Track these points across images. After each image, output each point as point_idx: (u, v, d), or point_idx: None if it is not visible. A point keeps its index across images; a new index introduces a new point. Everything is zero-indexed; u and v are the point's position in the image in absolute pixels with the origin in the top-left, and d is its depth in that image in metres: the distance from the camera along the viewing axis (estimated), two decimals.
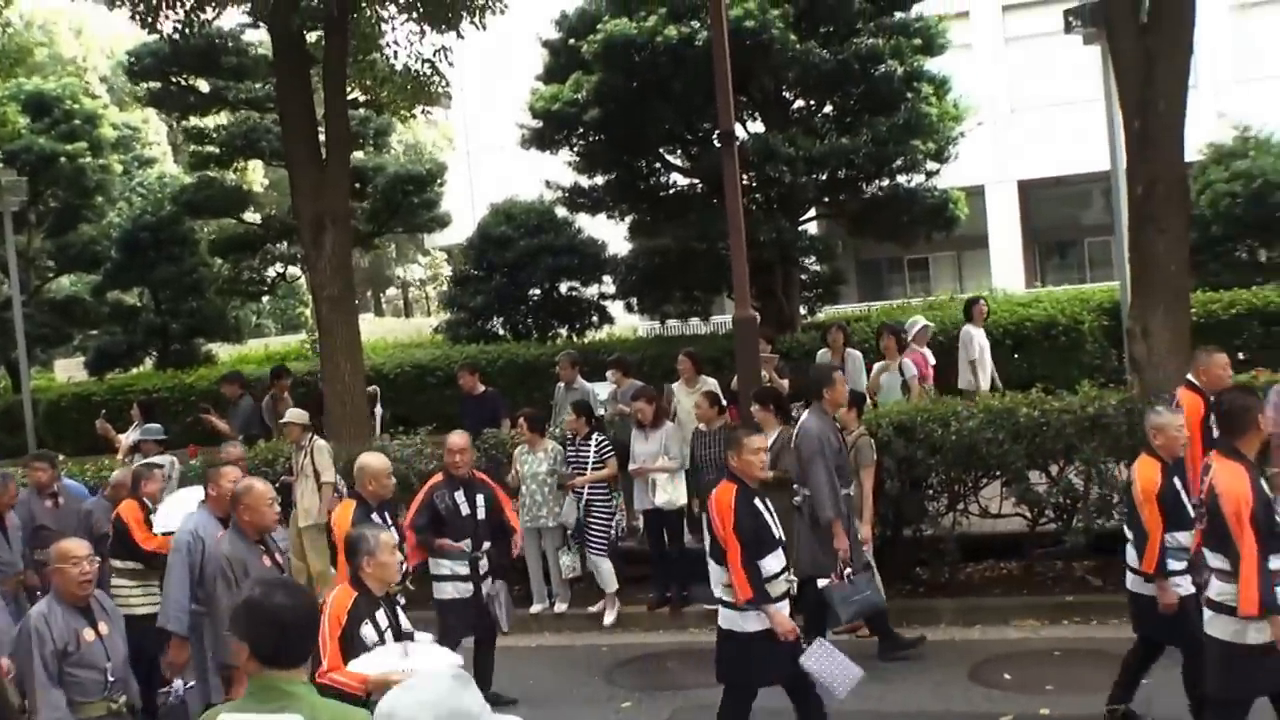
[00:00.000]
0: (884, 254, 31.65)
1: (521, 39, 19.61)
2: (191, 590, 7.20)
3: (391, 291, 59.15)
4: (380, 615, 5.68)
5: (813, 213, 18.78)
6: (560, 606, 10.79)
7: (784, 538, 6.84)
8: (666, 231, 17.73)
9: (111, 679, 5.94)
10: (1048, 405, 9.79)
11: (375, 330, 32.95)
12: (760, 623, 6.54)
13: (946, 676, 8.36)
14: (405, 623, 5.86)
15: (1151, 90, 10.00)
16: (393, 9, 14.03)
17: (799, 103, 17.76)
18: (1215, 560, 5.67)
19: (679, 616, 10.58)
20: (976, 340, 12.82)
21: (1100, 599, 9.51)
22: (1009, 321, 16.21)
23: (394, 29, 14.43)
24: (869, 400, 11.00)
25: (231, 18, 21.14)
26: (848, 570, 8.11)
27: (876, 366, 12.25)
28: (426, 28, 14.03)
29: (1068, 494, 9.80)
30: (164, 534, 8.15)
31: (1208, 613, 5.74)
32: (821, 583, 8.17)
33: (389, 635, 5.61)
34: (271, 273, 23.92)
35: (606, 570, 10.46)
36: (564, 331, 20.49)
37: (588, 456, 10.67)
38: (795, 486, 8.75)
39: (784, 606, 6.72)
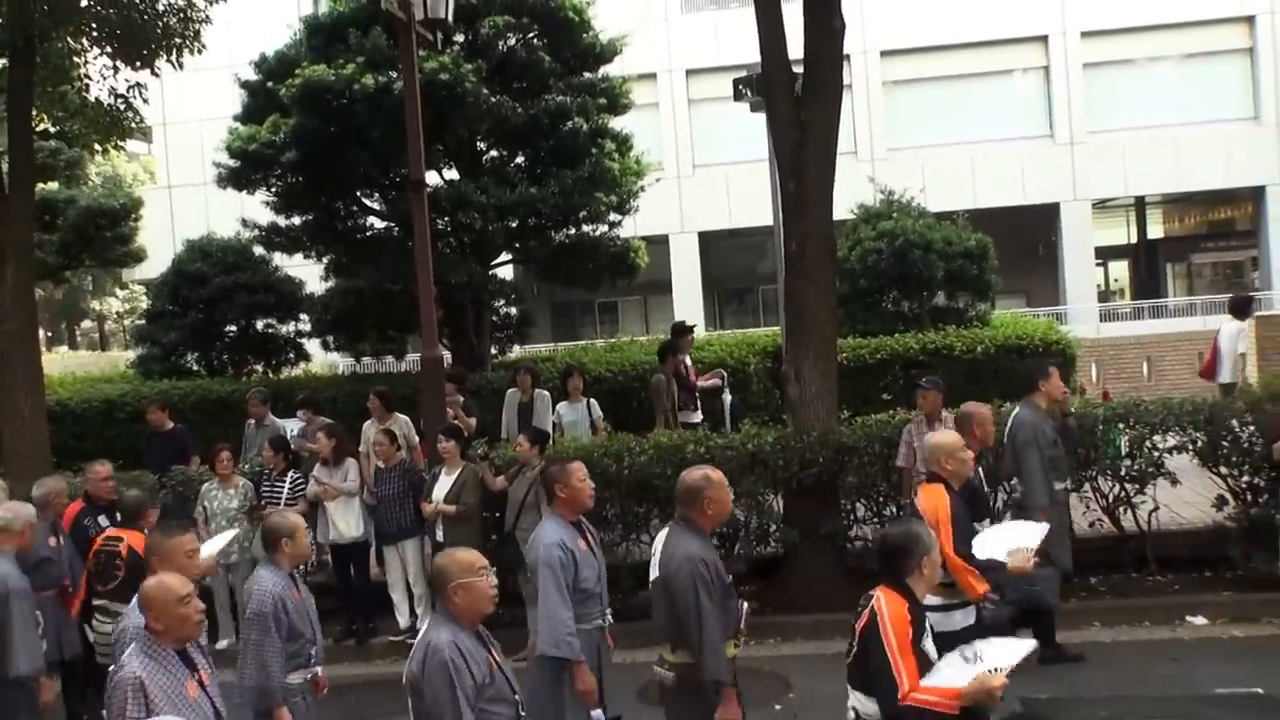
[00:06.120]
0: (576, 297, 32.81)
1: (226, 77, 19.51)
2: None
3: (87, 324, 56.04)
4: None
5: (505, 257, 19.35)
6: None
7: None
8: (363, 272, 17.89)
9: (523, 715, 5.01)
10: (712, 442, 10.64)
11: (69, 364, 31.58)
12: None
13: (616, 696, 8.94)
14: None
15: (804, 156, 10.80)
16: (85, 42, 13.87)
17: (492, 153, 18.27)
18: None
19: (365, 649, 10.90)
20: (1244, 335, 13.13)
21: (758, 620, 10.28)
22: None
23: (87, 62, 14.24)
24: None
25: None
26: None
27: (560, 406, 12.91)
28: (120, 63, 13.94)
29: (730, 524, 10.53)
30: None
31: None
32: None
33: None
34: None
35: None
36: (260, 368, 20.38)
37: (282, 491, 10.97)
38: (1012, 481, 8.95)
39: None
